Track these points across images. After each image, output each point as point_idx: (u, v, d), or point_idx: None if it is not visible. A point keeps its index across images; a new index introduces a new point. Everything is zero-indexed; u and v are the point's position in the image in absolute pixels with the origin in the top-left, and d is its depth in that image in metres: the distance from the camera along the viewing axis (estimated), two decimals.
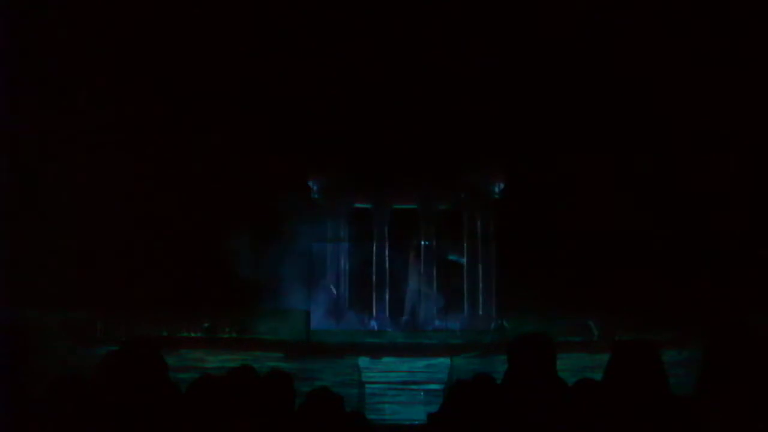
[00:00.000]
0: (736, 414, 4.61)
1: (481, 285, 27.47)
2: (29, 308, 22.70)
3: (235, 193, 25.93)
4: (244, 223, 25.66)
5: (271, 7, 26.33)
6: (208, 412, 5.45)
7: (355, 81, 25.97)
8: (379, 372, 23.56)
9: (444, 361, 23.56)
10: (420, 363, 23.65)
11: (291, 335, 24.57)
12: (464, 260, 27.11)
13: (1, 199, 21.43)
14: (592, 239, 25.24)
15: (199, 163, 25.76)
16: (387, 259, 27.67)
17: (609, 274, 24.66)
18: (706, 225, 24.76)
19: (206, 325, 24.68)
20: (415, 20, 25.96)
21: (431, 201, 27.51)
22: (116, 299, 23.76)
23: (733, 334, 4.90)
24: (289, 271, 26.15)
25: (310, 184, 27.29)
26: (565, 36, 25.57)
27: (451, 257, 27.19)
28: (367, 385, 23.33)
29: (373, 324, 27.08)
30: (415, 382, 23.15)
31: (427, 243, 27.66)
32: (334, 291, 27.42)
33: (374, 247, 27.64)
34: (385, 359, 23.81)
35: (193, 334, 24.41)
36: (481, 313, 27.26)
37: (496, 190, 27.25)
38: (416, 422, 19.14)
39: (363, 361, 23.64)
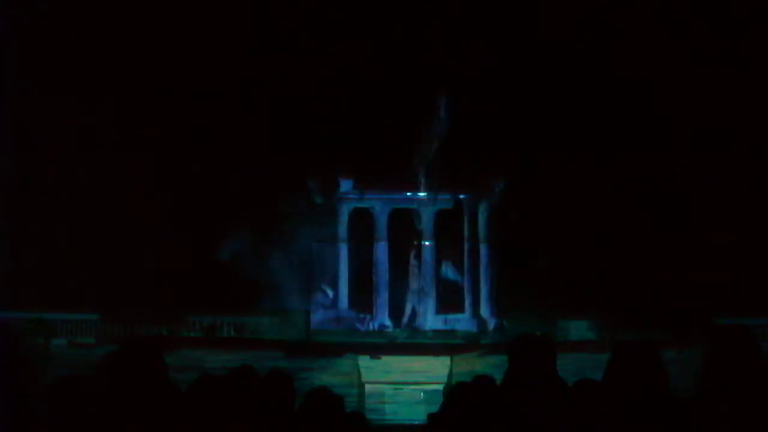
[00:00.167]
0: (736, 414, 4.62)
1: (481, 285, 27.50)
2: (28, 309, 22.76)
3: (235, 193, 25.94)
4: (245, 224, 25.68)
5: (271, 7, 26.34)
6: (208, 412, 5.45)
7: (355, 81, 25.97)
8: (379, 372, 23.58)
9: (444, 360, 23.58)
10: (420, 363, 23.67)
11: (291, 335, 24.60)
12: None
13: (1, 199, 21.45)
14: (592, 239, 25.26)
15: (199, 163, 25.77)
16: (387, 259, 27.69)
17: (609, 274, 24.68)
18: (706, 225, 24.76)
19: (206, 325, 24.71)
20: (415, 20, 25.97)
21: (431, 201, 27.53)
22: (116, 299, 23.78)
23: (733, 334, 4.91)
24: (289, 272, 26.19)
25: (310, 184, 27.30)
26: (565, 36, 25.58)
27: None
28: (367, 385, 23.35)
29: (374, 324, 27.10)
30: (414, 382, 23.16)
31: (427, 243, 27.68)
32: (330, 293, 27.46)
33: (374, 247, 27.67)
34: (385, 359, 23.83)
35: (193, 334, 24.44)
36: (481, 313, 27.30)
37: (497, 190, 27.27)
38: (416, 422, 19.11)
39: (363, 361, 23.67)
